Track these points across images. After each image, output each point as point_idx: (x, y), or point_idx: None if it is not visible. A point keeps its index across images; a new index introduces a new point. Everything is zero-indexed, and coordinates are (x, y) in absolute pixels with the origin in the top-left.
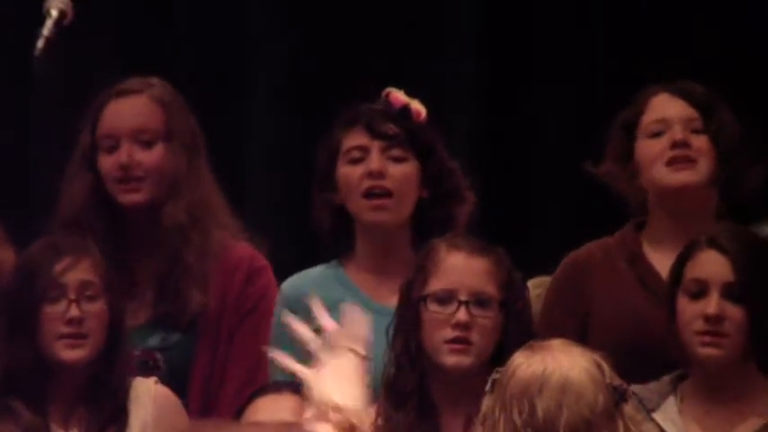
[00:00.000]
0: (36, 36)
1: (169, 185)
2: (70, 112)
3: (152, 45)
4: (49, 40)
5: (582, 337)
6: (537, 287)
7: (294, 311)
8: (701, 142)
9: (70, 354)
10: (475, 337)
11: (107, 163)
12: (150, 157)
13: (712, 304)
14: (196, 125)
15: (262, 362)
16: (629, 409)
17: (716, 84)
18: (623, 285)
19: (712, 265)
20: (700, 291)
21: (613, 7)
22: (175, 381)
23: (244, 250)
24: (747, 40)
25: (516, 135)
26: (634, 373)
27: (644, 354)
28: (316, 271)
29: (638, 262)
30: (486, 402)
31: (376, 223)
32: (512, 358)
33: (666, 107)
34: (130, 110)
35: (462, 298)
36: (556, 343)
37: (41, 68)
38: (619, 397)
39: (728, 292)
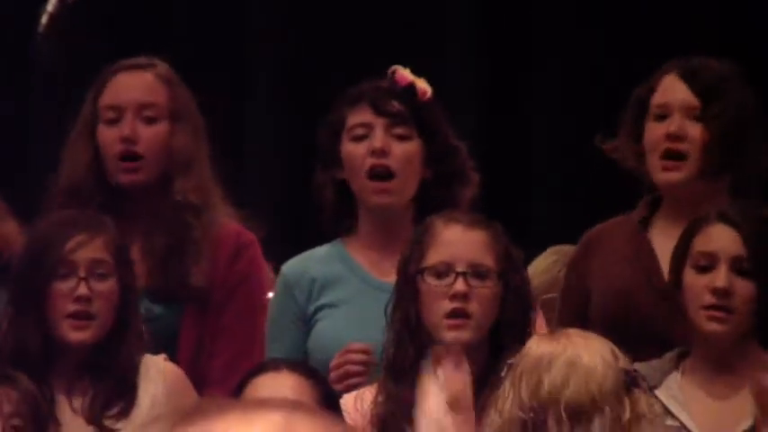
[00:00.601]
0: (40, 13)
1: (177, 163)
2: (71, 88)
3: (151, 41)
4: (53, 17)
5: (584, 314)
6: (553, 254)
7: (295, 292)
8: (696, 132)
9: (75, 335)
10: (473, 308)
11: (108, 135)
12: (153, 132)
13: (721, 277)
14: (197, 108)
15: (252, 336)
16: (643, 401)
17: None
18: (618, 261)
19: (721, 238)
20: (708, 264)
21: (613, 7)
22: (160, 352)
23: (231, 226)
24: (747, 40)
25: (515, 134)
26: (621, 348)
27: (630, 329)
28: (316, 250)
29: (636, 239)
30: (503, 386)
31: (380, 206)
32: (528, 342)
33: (670, 91)
34: (136, 84)
35: (460, 269)
36: (574, 331)
37: (44, 45)
38: (630, 381)
39: (737, 266)
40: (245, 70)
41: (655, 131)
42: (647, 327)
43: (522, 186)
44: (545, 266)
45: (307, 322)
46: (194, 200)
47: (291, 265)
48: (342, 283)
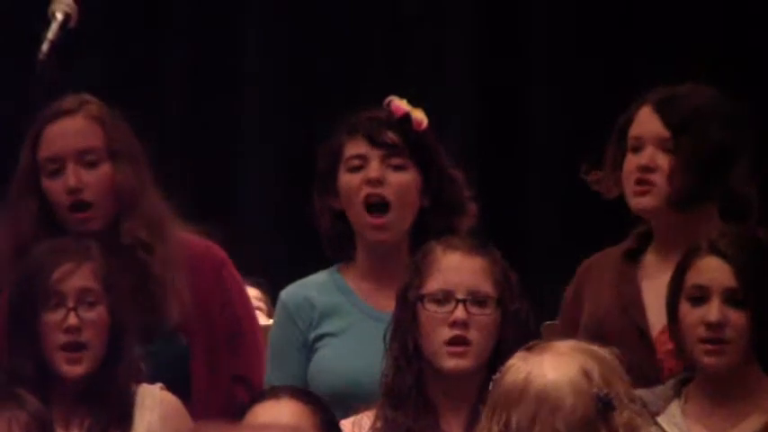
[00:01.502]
0: (40, 40)
1: (122, 203)
2: None
3: (148, 49)
4: (53, 44)
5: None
6: None
7: (296, 320)
8: (666, 163)
9: (70, 369)
10: (473, 335)
11: (54, 188)
12: (97, 176)
13: (714, 311)
14: (134, 136)
15: (252, 351)
16: (626, 414)
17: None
18: (602, 289)
19: (713, 270)
20: (701, 297)
21: (610, 34)
22: (166, 384)
23: (198, 247)
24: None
25: (513, 134)
26: None
27: None
28: (314, 278)
29: (620, 269)
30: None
31: (376, 241)
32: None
33: (644, 124)
34: (71, 131)
35: (459, 296)
36: (556, 345)
37: (46, 72)
38: (602, 406)
39: (730, 298)
40: (240, 75)
41: (630, 163)
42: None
43: (517, 187)
44: None
45: (308, 350)
46: (145, 237)
47: (291, 293)
48: (341, 312)
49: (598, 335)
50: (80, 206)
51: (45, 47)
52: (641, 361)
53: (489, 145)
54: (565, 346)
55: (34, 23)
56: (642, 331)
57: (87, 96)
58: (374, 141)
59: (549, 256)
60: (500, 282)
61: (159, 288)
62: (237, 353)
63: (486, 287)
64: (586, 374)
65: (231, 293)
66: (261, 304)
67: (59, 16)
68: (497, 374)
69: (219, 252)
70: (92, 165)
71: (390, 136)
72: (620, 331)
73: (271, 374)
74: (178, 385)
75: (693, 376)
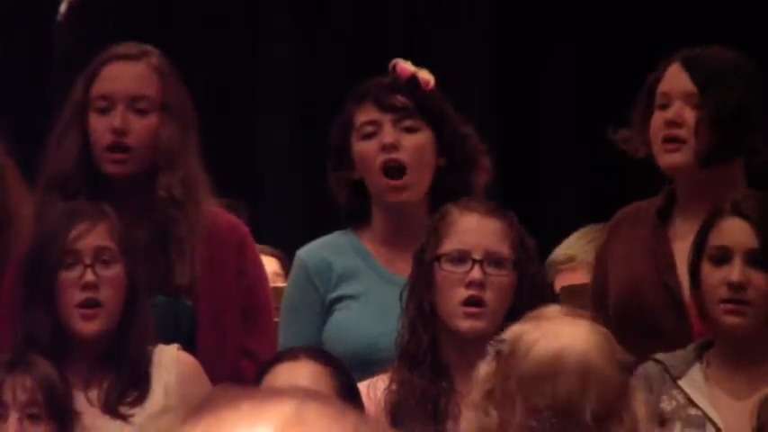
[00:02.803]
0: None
1: (163, 157)
2: None
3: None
4: (71, 5)
5: (604, 300)
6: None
7: (315, 281)
8: (693, 118)
9: (85, 326)
10: (489, 296)
11: (99, 124)
12: (144, 125)
13: (736, 271)
14: (190, 100)
15: (272, 327)
16: (633, 382)
17: None
18: (636, 251)
19: (735, 231)
20: (723, 257)
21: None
22: (161, 340)
23: (223, 219)
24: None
25: (529, 130)
26: (629, 340)
27: (637, 320)
28: (331, 238)
29: (655, 233)
30: (488, 373)
31: (396, 203)
32: (517, 331)
33: (672, 80)
34: (129, 75)
35: (476, 257)
36: (556, 313)
37: (64, 33)
38: (628, 371)
39: (752, 259)
40: (254, 76)
41: (658, 119)
42: (654, 320)
43: (536, 179)
44: (571, 242)
45: (325, 311)
46: (179, 195)
47: (310, 253)
48: (359, 275)
49: (634, 295)
50: (119, 147)
51: (63, 8)
52: (676, 325)
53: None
54: (564, 312)
55: None
56: (675, 295)
57: (150, 47)
58: (384, 106)
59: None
60: (517, 245)
61: (178, 247)
62: (250, 330)
63: (503, 248)
64: (608, 340)
65: (249, 269)
66: (279, 280)
67: None
68: (501, 344)
69: (243, 228)
70: (141, 112)
71: (400, 99)
72: (655, 295)
73: (285, 332)
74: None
75: (714, 341)
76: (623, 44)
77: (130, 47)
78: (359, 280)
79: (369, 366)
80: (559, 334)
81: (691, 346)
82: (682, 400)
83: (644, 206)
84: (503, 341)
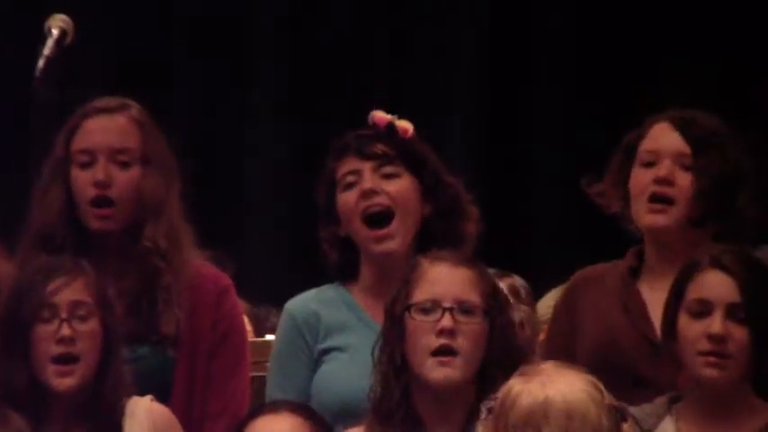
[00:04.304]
0: (37, 55)
1: (147, 208)
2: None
3: (152, 65)
4: (49, 60)
5: (569, 355)
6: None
7: (304, 333)
8: (685, 180)
9: (62, 382)
10: (460, 344)
11: (82, 179)
12: (127, 177)
13: (717, 324)
14: (169, 147)
15: (243, 390)
16: (626, 428)
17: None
18: (608, 306)
19: (716, 285)
20: (703, 310)
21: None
22: (144, 391)
23: (207, 269)
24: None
25: (516, 138)
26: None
27: (616, 371)
28: (320, 292)
29: (626, 288)
30: (485, 430)
31: (383, 253)
32: (507, 385)
33: (662, 138)
34: (109, 128)
35: (446, 305)
36: (548, 366)
37: (42, 88)
38: (619, 416)
39: (733, 313)
40: (246, 89)
41: (642, 176)
42: (633, 371)
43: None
44: (554, 294)
45: (314, 362)
46: (164, 245)
47: (298, 306)
48: (348, 327)
49: (611, 345)
50: (103, 201)
51: (41, 63)
52: (654, 373)
53: (492, 150)
54: (556, 365)
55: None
56: (653, 343)
57: (129, 100)
58: (364, 154)
59: (551, 259)
60: (487, 294)
61: (164, 297)
62: (220, 384)
63: (473, 297)
64: (596, 388)
65: (227, 318)
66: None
67: (55, 32)
68: (492, 401)
69: (225, 280)
70: (123, 165)
71: (379, 146)
72: (632, 344)
73: (274, 385)
74: (156, 395)
75: (682, 395)
76: (611, 83)
77: (110, 100)
78: (347, 332)
79: (357, 418)
80: (545, 383)
81: (658, 400)
82: None
83: (607, 267)
84: (495, 399)
